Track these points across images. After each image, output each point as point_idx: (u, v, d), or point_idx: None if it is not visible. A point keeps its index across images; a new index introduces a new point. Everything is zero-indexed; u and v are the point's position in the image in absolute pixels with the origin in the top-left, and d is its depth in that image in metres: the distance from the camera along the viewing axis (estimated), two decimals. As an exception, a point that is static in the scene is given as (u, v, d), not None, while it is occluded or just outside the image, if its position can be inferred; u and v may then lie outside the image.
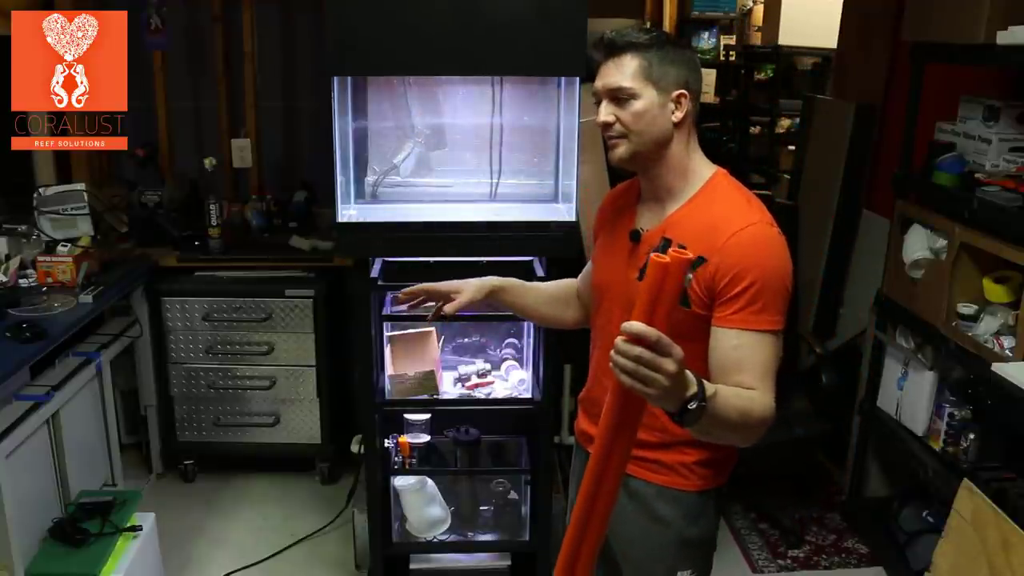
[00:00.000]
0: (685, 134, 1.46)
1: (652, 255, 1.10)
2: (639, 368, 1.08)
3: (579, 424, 1.69)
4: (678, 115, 1.43)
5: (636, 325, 1.08)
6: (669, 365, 1.08)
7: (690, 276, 1.38)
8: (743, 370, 1.34)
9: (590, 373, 1.65)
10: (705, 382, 1.20)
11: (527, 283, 1.80)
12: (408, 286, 1.76)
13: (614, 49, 1.44)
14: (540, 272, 2.34)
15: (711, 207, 1.44)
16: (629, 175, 1.63)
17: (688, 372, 1.15)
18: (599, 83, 1.46)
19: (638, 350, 1.08)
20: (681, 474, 1.52)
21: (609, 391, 1.16)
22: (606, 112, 1.45)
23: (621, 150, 1.45)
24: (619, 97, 1.43)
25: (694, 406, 1.16)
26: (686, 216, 1.45)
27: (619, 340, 1.09)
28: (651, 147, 1.44)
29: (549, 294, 1.80)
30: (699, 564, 1.59)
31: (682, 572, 1.56)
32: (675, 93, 1.43)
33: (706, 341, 1.40)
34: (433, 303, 1.75)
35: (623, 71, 1.42)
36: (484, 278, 1.74)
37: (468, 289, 1.71)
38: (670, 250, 1.10)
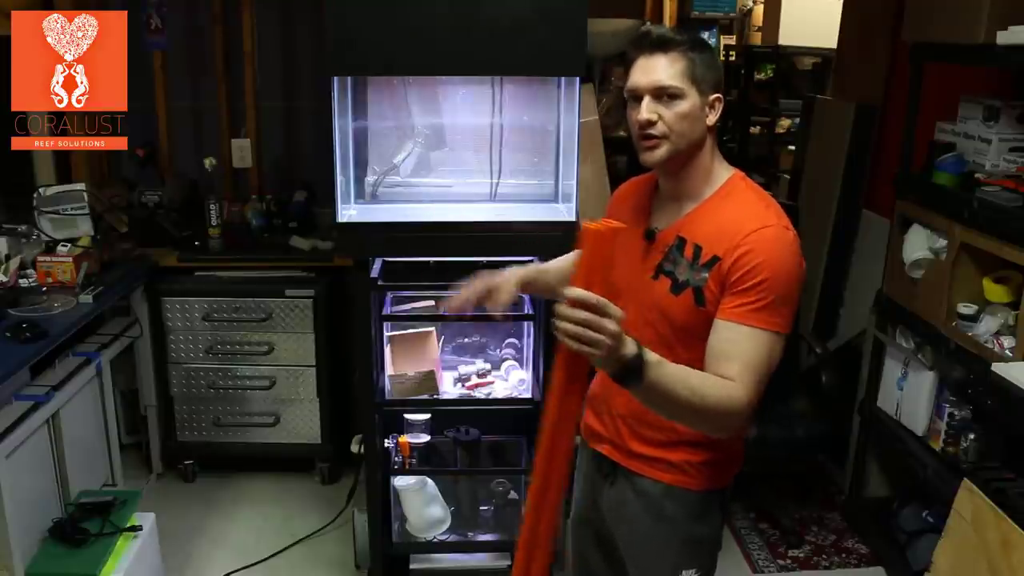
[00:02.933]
0: (713, 137, 1.46)
1: (584, 222, 1.17)
2: (584, 331, 1.14)
3: (585, 420, 1.69)
4: (712, 118, 1.43)
5: (578, 291, 1.14)
6: (611, 325, 1.14)
7: (706, 275, 1.39)
8: (727, 360, 1.34)
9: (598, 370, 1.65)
10: (649, 351, 1.23)
11: (549, 269, 1.79)
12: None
13: (663, 45, 1.40)
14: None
15: (727, 208, 1.43)
16: (629, 176, 1.63)
17: (627, 336, 1.20)
18: (642, 79, 1.41)
19: (583, 314, 1.14)
20: (688, 473, 1.52)
21: (557, 358, 1.22)
22: (649, 110, 1.40)
23: (661, 151, 1.41)
24: (664, 96, 1.40)
25: (630, 362, 1.20)
26: (701, 216, 1.45)
27: (561, 307, 1.15)
28: (687, 149, 1.43)
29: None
30: (704, 563, 1.59)
31: (687, 571, 1.56)
32: (712, 97, 1.42)
33: None
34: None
35: (670, 69, 1.39)
36: (514, 275, 1.68)
37: (505, 291, 1.66)
38: (601, 219, 1.17)
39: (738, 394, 1.32)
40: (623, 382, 1.23)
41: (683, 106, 1.39)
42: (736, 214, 1.41)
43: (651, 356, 1.23)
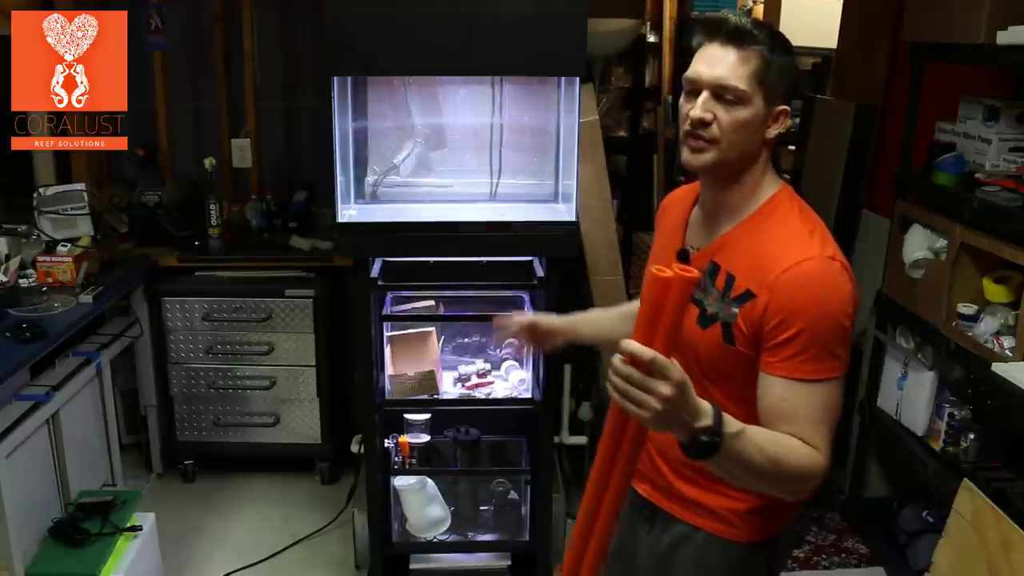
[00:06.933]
0: (768, 151, 1.29)
1: (653, 268, 1.02)
2: (629, 389, 1.01)
3: None
4: (773, 131, 1.26)
5: (631, 344, 1.00)
6: (664, 388, 1.00)
7: (736, 311, 1.25)
8: (793, 421, 1.20)
9: None
10: (730, 419, 1.09)
11: (596, 318, 1.78)
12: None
13: (739, 38, 1.22)
14: (540, 272, 2.34)
15: (766, 233, 1.27)
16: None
17: (703, 402, 1.06)
18: (705, 71, 1.23)
19: (629, 370, 1.01)
20: (730, 522, 1.37)
21: (609, 408, 1.10)
22: (705, 108, 1.23)
23: (705, 157, 1.25)
24: (725, 96, 1.22)
25: (706, 439, 1.06)
26: (738, 239, 1.30)
27: (615, 358, 1.03)
28: (737, 160, 1.26)
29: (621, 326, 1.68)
30: None
31: None
32: (778, 108, 1.26)
33: (750, 383, 1.25)
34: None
35: (741, 68, 1.21)
36: (566, 324, 1.72)
37: (557, 337, 1.72)
38: (675, 264, 1.02)
39: (816, 456, 1.19)
40: (691, 453, 1.08)
41: (744, 113, 1.22)
42: (775, 242, 1.24)
43: (731, 427, 1.08)
